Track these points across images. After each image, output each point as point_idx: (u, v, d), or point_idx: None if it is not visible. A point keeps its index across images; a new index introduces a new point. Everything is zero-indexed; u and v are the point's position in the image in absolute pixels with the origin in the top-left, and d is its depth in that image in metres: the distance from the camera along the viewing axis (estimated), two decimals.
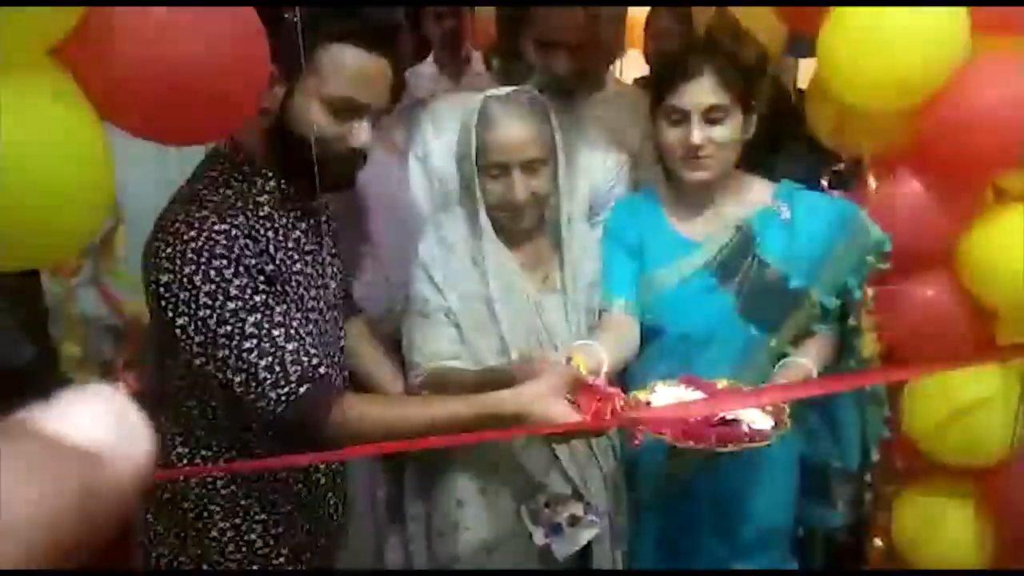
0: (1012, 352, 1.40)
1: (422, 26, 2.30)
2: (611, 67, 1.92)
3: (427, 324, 1.33)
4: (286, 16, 0.98)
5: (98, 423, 0.20)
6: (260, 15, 0.94)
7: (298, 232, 1.10)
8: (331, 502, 1.23)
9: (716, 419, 1.08)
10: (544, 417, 0.99)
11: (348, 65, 1.02)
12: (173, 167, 1.21)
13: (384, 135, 1.68)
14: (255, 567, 1.13)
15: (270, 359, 0.99)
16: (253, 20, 0.93)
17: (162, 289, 0.98)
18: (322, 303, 1.14)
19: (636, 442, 1.06)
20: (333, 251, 1.22)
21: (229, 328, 0.98)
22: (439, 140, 1.55)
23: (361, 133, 1.06)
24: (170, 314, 0.99)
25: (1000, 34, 1.28)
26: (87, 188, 0.87)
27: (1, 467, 0.18)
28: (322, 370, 1.03)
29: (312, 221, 1.14)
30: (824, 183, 1.42)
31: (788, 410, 1.11)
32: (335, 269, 1.21)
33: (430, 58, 2.30)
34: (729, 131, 1.31)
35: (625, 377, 1.38)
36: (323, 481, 1.20)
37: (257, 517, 1.12)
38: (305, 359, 1.01)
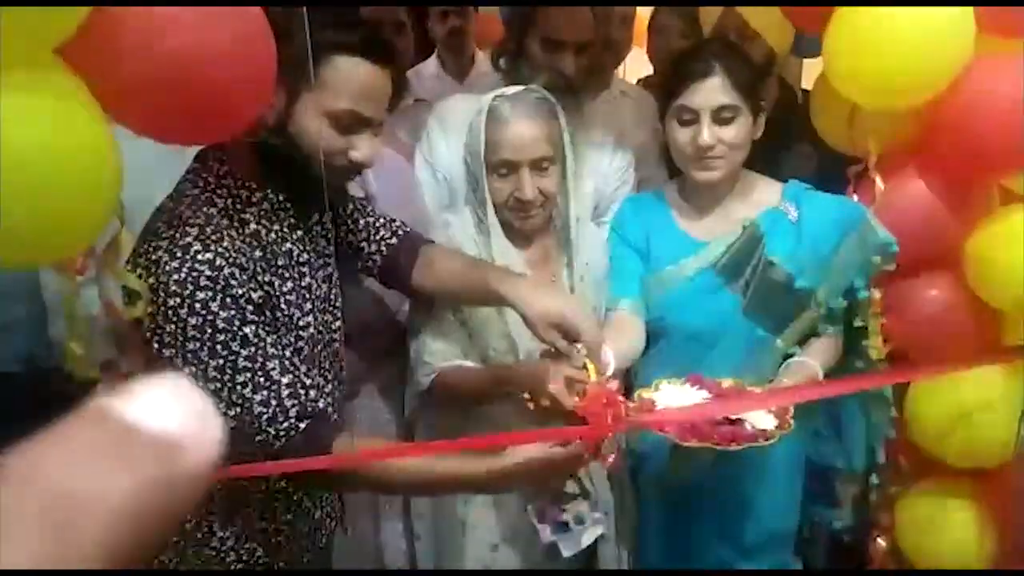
0: (1017, 353, 1.40)
1: (426, 25, 2.30)
2: (617, 67, 1.92)
3: (436, 323, 1.34)
4: (294, 23, 0.97)
5: (174, 411, 0.20)
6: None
7: (289, 244, 1.08)
8: (331, 507, 1.23)
9: (720, 418, 1.08)
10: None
11: (353, 78, 1.00)
12: (177, 167, 1.20)
13: (388, 135, 1.68)
14: None
15: (266, 393, 0.97)
16: (260, 20, 0.93)
17: (146, 320, 0.96)
18: (317, 316, 1.12)
19: (607, 461, 1.06)
20: (328, 253, 1.20)
21: (220, 361, 0.95)
22: (447, 140, 1.55)
23: (363, 146, 1.04)
24: (156, 344, 0.96)
25: (1006, 35, 1.27)
26: (93, 186, 0.87)
27: (85, 455, 0.18)
28: (320, 404, 1.01)
29: (305, 228, 1.12)
30: (850, 186, 1.41)
31: (792, 410, 1.11)
32: (328, 273, 1.19)
33: (434, 57, 2.30)
34: (739, 131, 1.31)
35: (631, 376, 1.38)
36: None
37: (257, 526, 1.11)
38: (302, 392, 0.99)
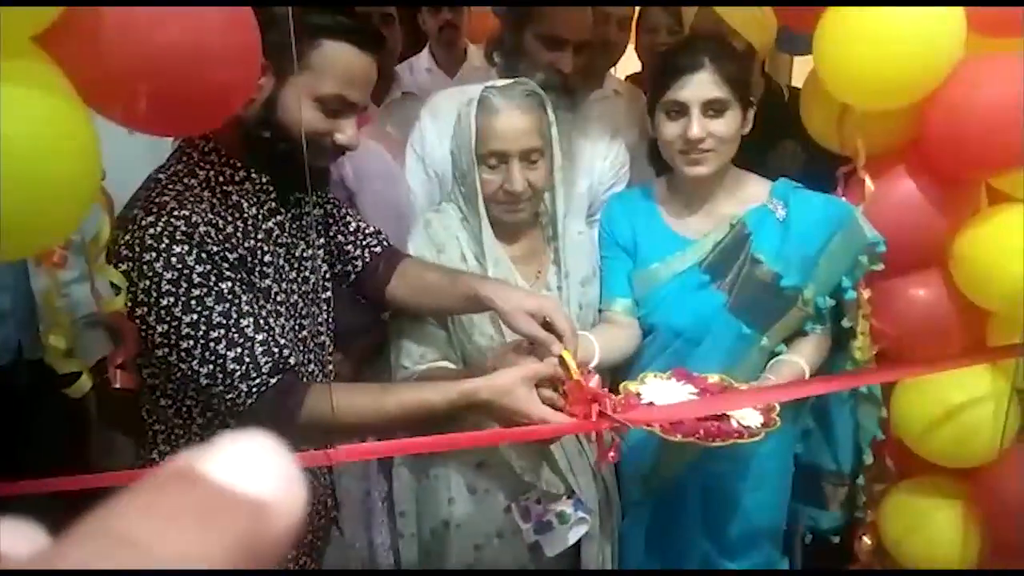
0: (1003, 352, 1.40)
1: (418, 19, 2.29)
2: (611, 67, 1.92)
3: (415, 326, 1.33)
4: (283, 8, 0.97)
5: (259, 471, 0.20)
6: (253, 8, 0.92)
7: (271, 224, 1.08)
8: (322, 502, 1.22)
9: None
10: (514, 407, 0.98)
11: (341, 63, 1.02)
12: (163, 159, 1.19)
13: (376, 129, 1.67)
14: None
15: (239, 350, 0.97)
16: (244, 13, 0.92)
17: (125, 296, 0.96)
18: (295, 297, 1.12)
19: (611, 457, 1.05)
20: (320, 244, 1.20)
21: (195, 317, 0.95)
22: (438, 134, 1.53)
23: (348, 130, 1.05)
24: (129, 304, 0.96)
25: (996, 34, 1.27)
26: (72, 176, 0.86)
27: (174, 517, 0.18)
28: (292, 360, 1.01)
29: (290, 214, 1.12)
30: (839, 186, 1.41)
31: (777, 407, 1.11)
32: (318, 263, 1.19)
33: (425, 51, 2.29)
34: (728, 125, 1.31)
35: (618, 372, 1.37)
36: (312, 481, 1.18)
37: None
38: (276, 349, 1.00)
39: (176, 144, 1.08)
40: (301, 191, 1.12)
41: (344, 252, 1.27)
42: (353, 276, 1.28)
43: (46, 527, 0.20)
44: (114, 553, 0.17)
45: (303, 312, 1.13)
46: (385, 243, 1.30)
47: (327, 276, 1.21)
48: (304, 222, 1.15)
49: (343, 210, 1.28)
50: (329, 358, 1.21)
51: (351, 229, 1.27)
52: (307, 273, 1.15)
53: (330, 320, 1.21)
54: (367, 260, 1.27)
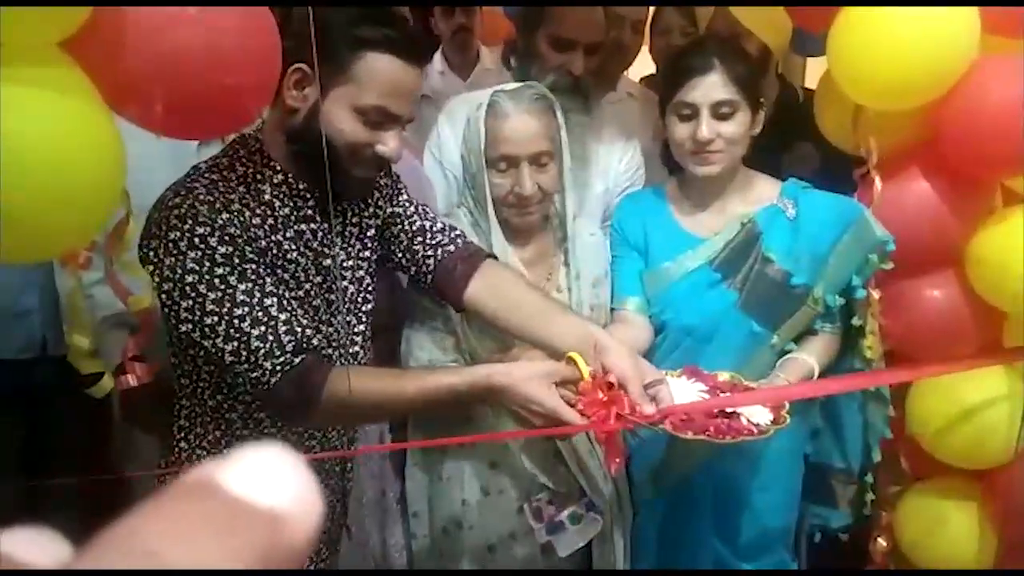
0: (1018, 354, 1.40)
1: (430, 22, 2.30)
2: (625, 70, 1.92)
3: (425, 332, 1.34)
4: (331, 18, 0.98)
5: (278, 484, 0.20)
6: (301, 16, 0.94)
7: (303, 227, 1.08)
8: (331, 506, 1.22)
9: (715, 411, 1.08)
10: (530, 395, 0.97)
11: (385, 75, 1.01)
12: (187, 158, 1.21)
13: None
14: None
15: (263, 328, 0.97)
16: (264, 16, 0.93)
17: (151, 253, 0.98)
18: (317, 301, 1.10)
19: (616, 464, 1.05)
20: (366, 257, 1.18)
21: (219, 294, 0.96)
22: (455, 138, 1.55)
23: (390, 142, 1.05)
24: (156, 279, 0.98)
25: (1011, 35, 1.27)
26: (97, 178, 0.88)
27: (193, 528, 0.18)
28: (315, 341, 1.02)
29: (326, 224, 1.11)
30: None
31: (787, 405, 1.11)
32: (358, 276, 1.17)
33: (438, 54, 2.30)
34: (737, 126, 1.31)
35: None
36: (323, 477, 1.18)
37: None
38: (299, 329, 1.00)
39: (232, 138, 1.10)
40: (343, 200, 1.12)
41: (413, 253, 1.22)
42: (430, 277, 1.22)
43: (67, 527, 0.21)
44: (135, 564, 0.17)
45: (322, 318, 1.12)
46: (460, 241, 1.23)
47: (370, 288, 1.19)
48: (347, 234, 1.15)
49: (411, 209, 1.23)
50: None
51: (415, 228, 1.22)
52: (342, 282, 1.14)
53: (367, 332, 1.19)
54: (440, 259, 1.21)
